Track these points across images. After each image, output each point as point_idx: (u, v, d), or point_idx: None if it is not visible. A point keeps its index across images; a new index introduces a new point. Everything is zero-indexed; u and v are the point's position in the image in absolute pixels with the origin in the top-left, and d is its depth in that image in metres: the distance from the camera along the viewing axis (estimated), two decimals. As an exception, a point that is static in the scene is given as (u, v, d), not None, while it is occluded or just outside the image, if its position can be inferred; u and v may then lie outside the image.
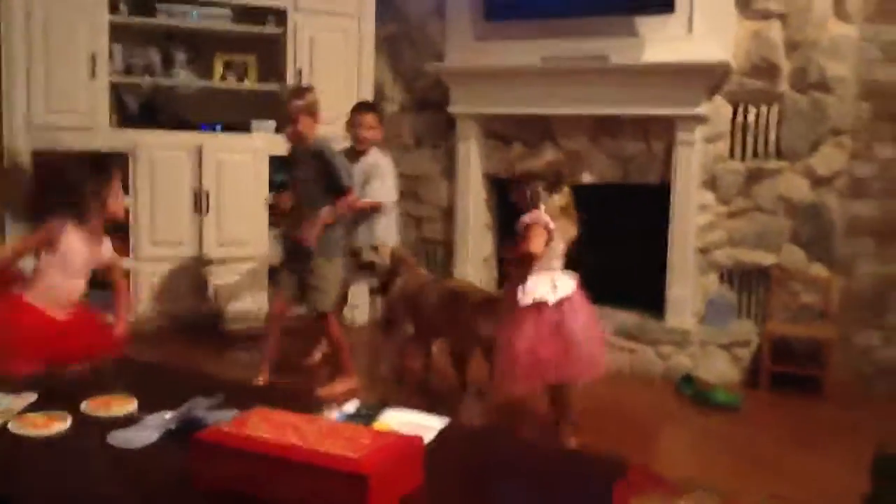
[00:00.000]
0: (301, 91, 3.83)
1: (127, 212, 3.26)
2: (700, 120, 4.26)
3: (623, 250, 4.63)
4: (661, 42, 4.32)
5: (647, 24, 4.36)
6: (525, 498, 1.60)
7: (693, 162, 4.29)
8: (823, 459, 3.23)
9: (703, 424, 3.69)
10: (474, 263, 5.04)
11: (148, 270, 4.68)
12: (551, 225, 3.12)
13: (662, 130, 4.40)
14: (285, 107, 3.73)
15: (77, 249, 2.93)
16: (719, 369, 4.20)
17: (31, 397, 1.81)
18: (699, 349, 4.22)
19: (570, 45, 4.52)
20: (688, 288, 4.33)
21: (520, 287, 3.12)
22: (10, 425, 1.66)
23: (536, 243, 3.08)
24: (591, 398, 4.08)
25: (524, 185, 3.21)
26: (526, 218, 3.15)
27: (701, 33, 4.24)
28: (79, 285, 2.97)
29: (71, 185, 2.98)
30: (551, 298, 3.08)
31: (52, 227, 2.90)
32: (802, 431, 3.57)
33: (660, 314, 4.40)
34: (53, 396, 1.84)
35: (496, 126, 4.94)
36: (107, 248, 3.08)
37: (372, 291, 4.92)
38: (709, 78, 4.22)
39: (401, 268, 4.00)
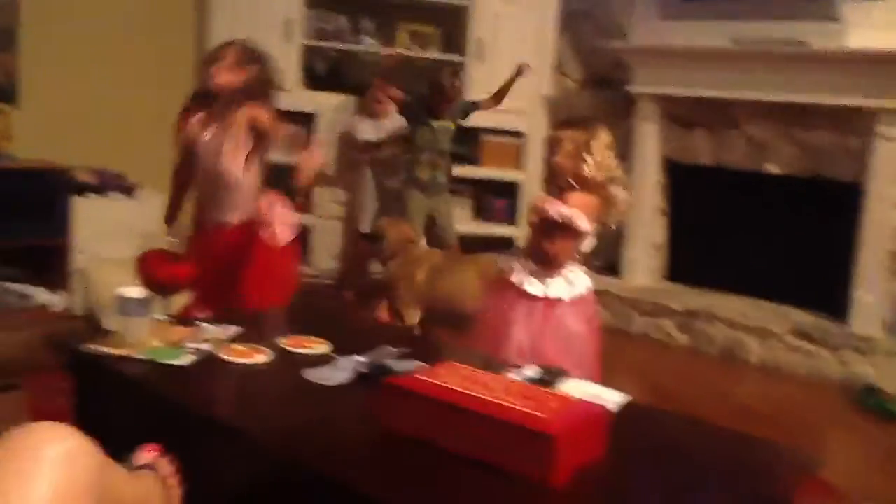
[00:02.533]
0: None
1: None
2: (906, 114, 3.96)
3: (806, 247, 4.41)
4: (867, 29, 4.03)
5: (852, 9, 4.09)
6: (706, 481, 1.56)
7: (893, 158, 4.00)
8: None
9: (882, 438, 3.46)
10: (644, 249, 4.93)
11: (327, 227, 4.89)
12: None
13: (860, 123, 4.13)
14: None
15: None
16: (905, 381, 3.93)
17: (236, 329, 1.93)
18: (885, 359, 3.95)
19: (763, 28, 4.31)
20: (877, 293, 4.06)
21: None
22: (217, 352, 1.79)
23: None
24: (762, 399, 3.94)
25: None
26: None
27: (914, 21, 3.94)
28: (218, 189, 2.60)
29: None
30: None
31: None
32: None
33: (842, 318, 4.15)
34: (254, 331, 1.96)
35: (677, 108, 4.80)
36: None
37: None
38: (920, 69, 3.92)
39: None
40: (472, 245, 4.54)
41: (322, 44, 5.11)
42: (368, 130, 4.68)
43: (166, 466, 1.33)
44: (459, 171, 5.02)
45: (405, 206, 4.38)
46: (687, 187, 4.95)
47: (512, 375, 1.86)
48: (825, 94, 4.15)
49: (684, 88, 4.64)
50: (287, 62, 4.85)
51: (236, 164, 2.55)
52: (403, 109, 4.47)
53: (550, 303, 2.55)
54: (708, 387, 3.97)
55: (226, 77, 2.53)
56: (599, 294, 4.65)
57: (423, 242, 4.15)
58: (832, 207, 4.34)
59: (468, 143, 5.12)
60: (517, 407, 1.47)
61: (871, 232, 4.07)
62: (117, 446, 1.76)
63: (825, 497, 1.96)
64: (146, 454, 1.38)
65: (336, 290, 4.57)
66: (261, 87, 2.61)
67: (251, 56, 2.61)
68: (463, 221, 5.03)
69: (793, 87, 4.24)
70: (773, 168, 4.48)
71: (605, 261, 5.14)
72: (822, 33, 4.15)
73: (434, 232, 4.46)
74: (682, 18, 4.65)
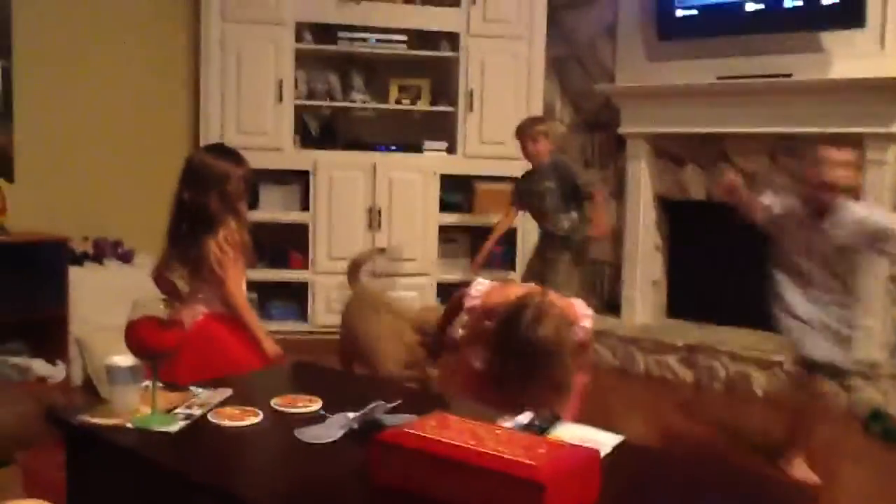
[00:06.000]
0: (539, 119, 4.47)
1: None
2: (893, 139, 4.00)
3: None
4: (850, 58, 4.10)
5: (835, 40, 4.16)
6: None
7: (884, 183, 4.02)
8: None
9: (890, 462, 3.42)
10: (642, 286, 4.93)
11: (325, 283, 4.91)
12: None
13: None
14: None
15: None
16: (912, 406, 3.89)
17: (227, 392, 1.93)
18: (890, 383, 3.92)
19: (748, 63, 4.38)
20: (877, 318, 4.05)
21: None
22: (209, 416, 1.78)
23: None
24: (768, 428, 3.89)
25: None
26: None
27: (894, 47, 3.99)
28: None
29: None
30: None
31: None
32: None
33: (845, 344, 4.13)
34: (246, 393, 1.96)
35: (668, 146, 4.84)
36: None
37: None
38: (904, 94, 3.96)
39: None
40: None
41: (314, 102, 5.19)
42: None
43: None
44: (453, 219, 5.07)
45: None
46: (682, 223, 4.97)
47: (505, 423, 1.86)
48: (812, 124, 4.19)
49: (673, 126, 4.69)
50: (280, 122, 4.95)
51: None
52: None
53: None
54: (715, 422, 3.93)
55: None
56: (600, 334, 4.70)
57: None
58: (828, 235, 4.34)
59: (461, 192, 5.18)
60: (506, 456, 1.46)
61: (868, 258, 4.06)
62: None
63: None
64: None
65: None
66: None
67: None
68: (460, 270, 5.05)
69: (780, 118, 4.29)
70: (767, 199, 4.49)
71: (605, 300, 5.14)
72: (806, 65, 4.21)
73: None
74: (667, 59, 4.73)
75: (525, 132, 4.32)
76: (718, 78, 4.46)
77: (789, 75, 4.23)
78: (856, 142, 4.08)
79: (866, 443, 3.66)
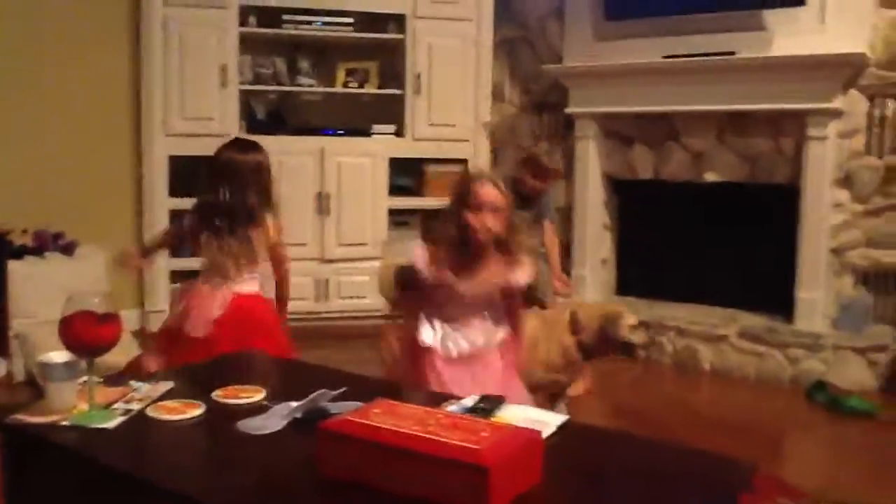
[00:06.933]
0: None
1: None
2: (834, 114, 4.07)
3: (749, 251, 4.48)
4: (792, 35, 4.15)
5: (776, 17, 4.21)
6: (645, 500, 1.56)
7: (826, 158, 4.10)
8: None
9: (837, 432, 3.52)
10: (592, 265, 4.97)
11: (274, 270, 4.86)
12: None
13: (793, 126, 4.23)
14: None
15: None
16: (854, 375, 3.99)
17: (168, 385, 1.90)
18: (832, 354, 4.02)
19: (693, 41, 4.41)
20: (819, 290, 4.14)
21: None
22: (148, 410, 1.75)
23: None
24: (715, 402, 3.97)
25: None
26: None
27: (835, 25, 4.05)
28: None
29: None
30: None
31: None
32: (945, 443, 3.36)
33: (789, 317, 4.22)
34: (188, 385, 1.93)
35: (616, 125, 4.87)
36: None
37: None
38: (843, 71, 4.03)
39: None
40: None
41: (260, 87, 5.11)
42: None
43: None
44: (403, 202, 5.05)
45: None
46: (630, 202, 5.02)
47: (450, 408, 1.86)
48: (756, 101, 4.25)
49: (620, 106, 4.72)
50: (225, 108, 4.86)
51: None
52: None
53: (475, 356, 2.47)
54: (664, 397, 4.00)
55: None
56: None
57: None
58: (772, 210, 4.42)
59: (410, 175, 5.17)
60: (448, 440, 1.46)
61: (810, 231, 4.15)
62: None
63: (776, 494, 1.97)
64: None
65: None
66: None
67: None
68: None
69: (725, 96, 4.34)
70: (711, 177, 4.56)
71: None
72: (750, 43, 4.26)
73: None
74: (614, 39, 4.74)
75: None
76: (664, 57, 4.49)
77: (732, 53, 4.27)
78: (798, 118, 4.17)
79: (810, 412, 3.74)
